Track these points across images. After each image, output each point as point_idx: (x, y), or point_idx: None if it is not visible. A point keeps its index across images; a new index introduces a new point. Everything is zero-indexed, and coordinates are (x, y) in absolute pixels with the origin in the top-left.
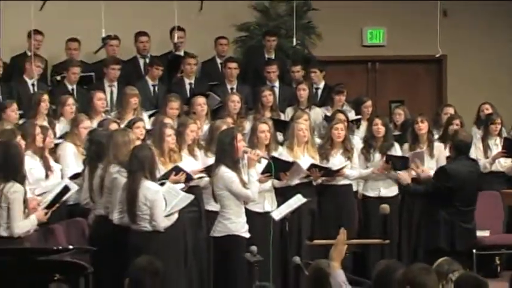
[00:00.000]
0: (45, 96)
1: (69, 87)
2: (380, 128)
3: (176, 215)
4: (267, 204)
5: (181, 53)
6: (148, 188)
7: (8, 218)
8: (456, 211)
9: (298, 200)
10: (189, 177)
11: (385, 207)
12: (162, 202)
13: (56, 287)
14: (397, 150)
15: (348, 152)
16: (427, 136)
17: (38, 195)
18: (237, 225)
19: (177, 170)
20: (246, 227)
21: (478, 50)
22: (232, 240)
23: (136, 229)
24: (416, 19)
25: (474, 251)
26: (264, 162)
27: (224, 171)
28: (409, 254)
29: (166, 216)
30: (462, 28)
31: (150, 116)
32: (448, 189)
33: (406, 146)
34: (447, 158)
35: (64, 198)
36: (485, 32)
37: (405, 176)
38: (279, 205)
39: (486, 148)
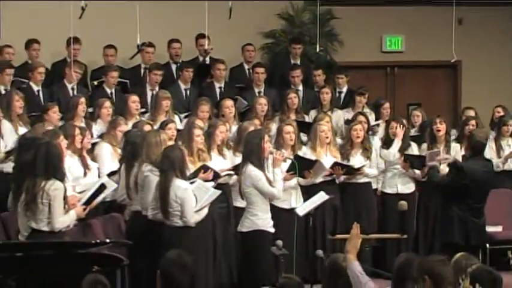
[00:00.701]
0: (82, 100)
1: (108, 91)
2: (398, 130)
3: (206, 210)
4: (293, 201)
5: (212, 59)
6: (178, 186)
7: (49, 213)
8: (468, 207)
9: (321, 197)
10: (216, 175)
11: (403, 203)
12: (192, 199)
13: (94, 278)
14: (413, 150)
15: (367, 151)
16: (445, 137)
17: (78, 193)
18: (263, 220)
19: (205, 168)
20: (272, 222)
21: (491, 55)
22: (258, 235)
23: (168, 224)
24: (432, 27)
25: (487, 245)
26: (289, 161)
27: (251, 169)
28: (426, 248)
29: (197, 211)
30: (476, 35)
31: (184, 118)
32: (464, 186)
33: (424, 146)
34: (463, 156)
35: (101, 195)
36: (498, 39)
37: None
38: (303, 202)
39: (499, 148)
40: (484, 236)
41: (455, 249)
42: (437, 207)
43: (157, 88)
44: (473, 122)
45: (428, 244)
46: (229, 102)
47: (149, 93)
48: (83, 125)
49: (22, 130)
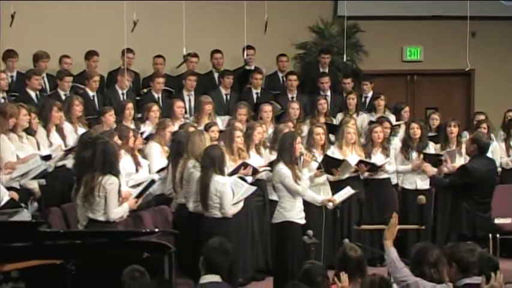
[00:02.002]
0: (130, 105)
1: (156, 95)
2: (416, 131)
3: (242, 203)
4: (323, 195)
5: (251, 68)
6: (218, 181)
7: (105, 205)
8: (475, 202)
9: (348, 191)
10: (254, 171)
11: (422, 198)
12: (230, 193)
13: (133, 267)
14: (431, 149)
15: (386, 150)
16: (457, 138)
17: (130, 187)
18: (292, 213)
19: (245, 165)
20: (302, 214)
21: (502, 64)
22: (287, 226)
23: (208, 216)
24: (448, 39)
25: (498, 235)
26: (318, 161)
27: (281, 167)
28: (442, 238)
29: (234, 204)
30: (488, 46)
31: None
32: (467, 184)
33: (438, 146)
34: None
35: (150, 189)
36: (507, 49)
37: (429, 168)
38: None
39: (508, 148)
40: (490, 228)
41: (464, 240)
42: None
43: (192, 93)
44: (485, 125)
45: (445, 234)
46: (267, 107)
47: (186, 98)
48: (132, 126)
49: (81, 131)
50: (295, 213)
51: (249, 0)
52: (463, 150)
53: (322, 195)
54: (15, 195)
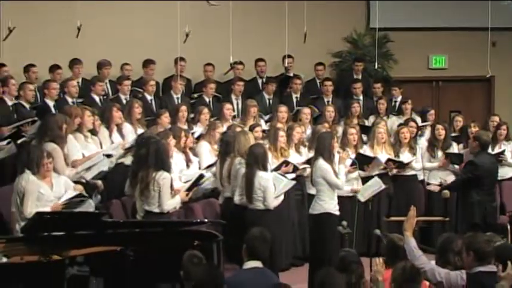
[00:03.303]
0: (183, 108)
1: (207, 99)
2: (441, 132)
3: (282, 197)
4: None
5: (291, 74)
6: (261, 176)
7: (159, 198)
8: (485, 193)
9: (376, 182)
10: (295, 168)
11: (446, 192)
12: (272, 187)
13: (192, 253)
14: (454, 149)
15: (412, 149)
16: None
17: (184, 182)
18: (330, 205)
19: (286, 162)
20: (337, 207)
21: None
22: (326, 217)
23: (252, 208)
24: (471, 48)
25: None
26: (351, 158)
27: (322, 163)
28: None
29: (276, 197)
30: (507, 55)
31: (266, 122)
32: (476, 177)
33: (461, 145)
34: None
35: (200, 183)
36: None
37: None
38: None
39: None
40: (497, 216)
41: (478, 228)
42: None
43: (240, 97)
44: (504, 126)
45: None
46: (307, 110)
47: (234, 102)
48: (185, 127)
49: (140, 131)
50: (332, 205)
51: (290, 13)
52: None
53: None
54: (81, 188)
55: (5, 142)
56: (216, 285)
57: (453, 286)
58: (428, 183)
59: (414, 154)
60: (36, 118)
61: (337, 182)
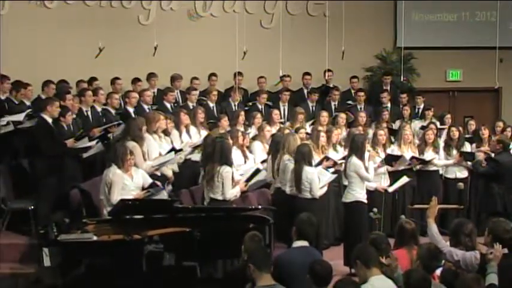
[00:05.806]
0: (241, 113)
1: (259, 106)
2: (455, 134)
3: (326, 188)
4: (383, 182)
5: (330, 86)
6: (307, 171)
7: (222, 188)
8: (506, 187)
9: (404, 179)
10: (334, 163)
11: (461, 184)
12: (317, 180)
13: (253, 233)
14: (467, 148)
15: (436, 149)
16: (488, 139)
17: (240, 175)
18: (360, 194)
19: (327, 158)
20: (365, 196)
21: None
22: (355, 205)
23: (301, 197)
24: (481, 64)
25: None
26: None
27: (355, 160)
28: (475, 215)
29: (321, 188)
30: None
31: (310, 125)
32: (497, 173)
33: (474, 145)
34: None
35: (261, 177)
36: None
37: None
38: (391, 183)
39: None
40: None
41: (498, 216)
42: (482, 188)
43: (286, 104)
44: (509, 128)
45: (477, 212)
46: (343, 116)
47: (282, 108)
48: (242, 129)
49: (203, 133)
50: (362, 194)
51: (330, 35)
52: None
53: (382, 181)
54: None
55: (94, 142)
56: (263, 255)
57: (468, 265)
58: (446, 178)
59: (437, 153)
60: (121, 122)
61: (368, 176)
